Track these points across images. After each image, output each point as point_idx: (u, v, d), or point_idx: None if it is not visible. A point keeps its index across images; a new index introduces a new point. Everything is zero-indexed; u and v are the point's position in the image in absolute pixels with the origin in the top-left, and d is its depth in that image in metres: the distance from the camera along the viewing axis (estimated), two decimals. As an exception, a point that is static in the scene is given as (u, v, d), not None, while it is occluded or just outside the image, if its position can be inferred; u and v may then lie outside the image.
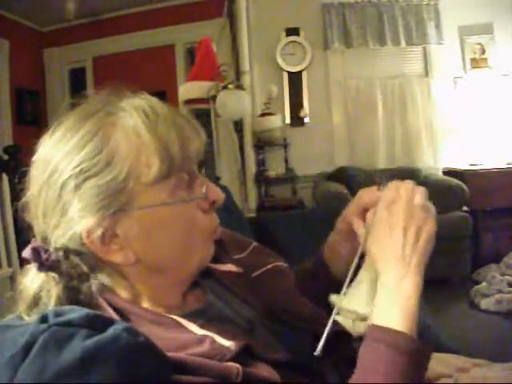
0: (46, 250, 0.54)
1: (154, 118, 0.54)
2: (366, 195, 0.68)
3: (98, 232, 0.52)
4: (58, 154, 0.53)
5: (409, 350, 0.51)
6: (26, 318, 0.53)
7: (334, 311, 0.60)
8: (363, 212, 0.67)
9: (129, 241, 0.54)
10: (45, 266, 0.54)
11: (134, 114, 0.54)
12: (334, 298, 0.62)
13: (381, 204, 0.60)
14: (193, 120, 0.59)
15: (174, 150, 0.54)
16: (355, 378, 0.53)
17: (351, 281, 0.62)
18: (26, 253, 0.55)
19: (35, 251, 0.54)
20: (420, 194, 0.59)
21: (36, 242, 0.55)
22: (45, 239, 0.55)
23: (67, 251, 0.54)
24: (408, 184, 0.61)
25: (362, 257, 0.64)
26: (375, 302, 0.57)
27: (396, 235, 0.57)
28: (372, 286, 0.59)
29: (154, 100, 0.58)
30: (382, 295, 0.56)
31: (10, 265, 2.26)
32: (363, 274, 0.62)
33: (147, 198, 0.53)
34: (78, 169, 0.52)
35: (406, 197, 0.59)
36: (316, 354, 0.56)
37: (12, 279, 2.14)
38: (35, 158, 0.56)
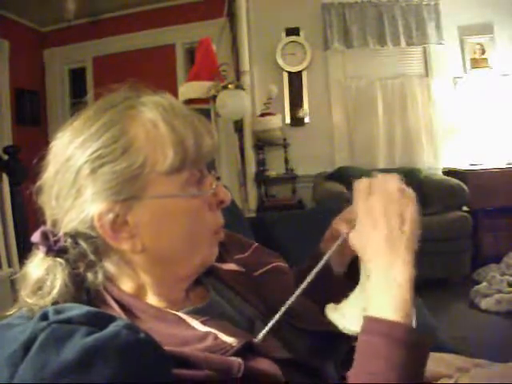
0: (55, 235, 0.55)
1: (172, 113, 0.57)
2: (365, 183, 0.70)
3: (110, 217, 0.53)
4: (76, 141, 0.55)
5: (405, 340, 0.50)
6: (29, 301, 0.54)
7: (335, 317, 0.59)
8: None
9: (138, 229, 0.55)
10: (52, 250, 0.55)
11: (153, 108, 0.56)
12: (329, 311, 0.62)
13: (357, 197, 0.59)
14: (207, 122, 0.61)
15: (188, 145, 0.56)
16: (353, 371, 0.52)
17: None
18: (35, 237, 0.56)
19: (44, 235, 0.55)
20: (394, 180, 0.59)
21: (45, 227, 0.57)
22: (55, 224, 0.56)
23: (76, 235, 0.55)
24: (379, 175, 0.60)
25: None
26: (368, 293, 0.56)
27: (380, 224, 0.55)
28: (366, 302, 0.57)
29: (173, 99, 0.60)
30: (372, 286, 0.55)
31: (10, 265, 2.26)
32: (358, 291, 0.62)
33: (160, 187, 0.55)
34: (95, 154, 0.53)
35: (380, 185, 0.58)
36: (255, 340, 0.56)
37: (12, 279, 2.14)
38: (54, 143, 0.58)
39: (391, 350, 0.50)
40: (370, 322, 0.53)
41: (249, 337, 0.56)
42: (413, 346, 0.50)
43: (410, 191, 0.58)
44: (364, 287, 0.59)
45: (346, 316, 0.59)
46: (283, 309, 0.59)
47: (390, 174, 0.60)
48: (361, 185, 0.60)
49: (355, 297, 0.61)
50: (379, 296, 0.54)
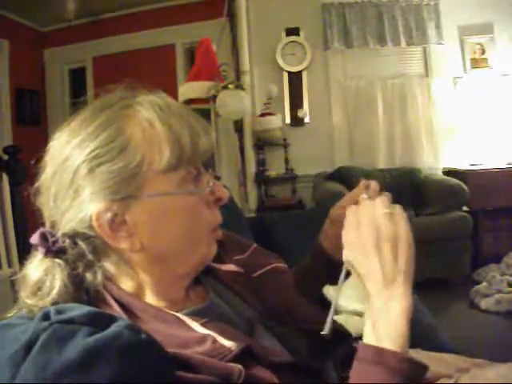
0: (54, 236, 0.55)
1: (168, 112, 0.57)
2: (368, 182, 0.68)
3: (108, 216, 0.54)
4: (73, 141, 0.55)
5: (402, 370, 0.49)
6: (29, 302, 0.54)
7: (334, 298, 0.59)
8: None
9: (136, 228, 0.55)
10: (51, 251, 0.55)
11: (149, 107, 0.57)
12: (329, 291, 0.62)
13: (347, 225, 0.57)
14: (204, 120, 0.61)
15: (184, 143, 0.56)
16: None
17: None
18: (34, 238, 0.56)
19: (43, 236, 0.55)
20: (381, 204, 0.55)
21: (44, 228, 0.57)
22: (53, 225, 0.56)
23: (75, 236, 0.55)
24: (366, 199, 0.58)
25: None
26: (365, 324, 0.55)
27: (372, 259, 0.53)
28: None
29: (169, 98, 0.60)
30: (369, 318, 0.54)
31: (10, 265, 2.26)
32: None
33: (157, 186, 0.55)
34: (93, 154, 0.53)
35: (368, 213, 0.55)
36: (324, 333, 0.54)
37: (12, 279, 2.14)
38: (51, 144, 0.58)
39: (385, 378, 0.49)
40: (366, 350, 0.52)
41: (247, 340, 0.56)
42: (407, 375, 0.49)
43: (399, 212, 0.55)
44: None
45: (343, 295, 0.60)
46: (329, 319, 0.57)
47: (378, 197, 0.57)
48: (350, 212, 0.57)
49: (353, 279, 0.61)
50: (376, 326, 0.53)
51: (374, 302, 0.53)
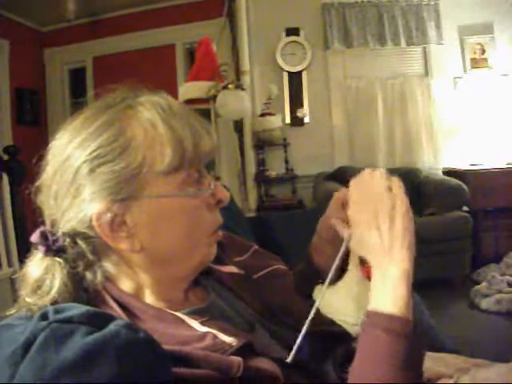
0: (54, 234, 0.55)
1: (170, 113, 0.57)
2: (341, 194, 0.69)
3: (108, 216, 0.53)
4: (74, 141, 0.55)
5: (404, 332, 0.52)
6: (29, 300, 0.54)
7: (312, 312, 0.60)
8: (342, 211, 0.68)
9: (136, 229, 0.55)
10: (51, 250, 0.55)
11: (151, 108, 0.57)
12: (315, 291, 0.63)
13: (350, 202, 0.61)
14: (206, 122, 0.61)
15: (186, 145, 0.56)
16: (356, 363, 0.54)
17: (338, 277, 0.63)
18: (34, 237, 0.56)
19: (43, 235, 0.55)
20: (379, 176, 0.60)
21: (44, 227, 0.57)
22: (53, 224, 0.56)
23: (75, 235, 0.55)
24: (365, 173, 0.62)
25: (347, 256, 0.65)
26: (371, 290, 0.58)
27: (372, 229, 0.57)
28: (356, 290, 0.61)
29: (171, 99, 0.60)
30: (373, 283, 0.57)
31: (10, 265, 2.27)
32: (347, 277, 0.64)
33: (158, 187, 0.55)
34: (94, 154, 0.53)
35: (366, 185, 0.60)
36: (288, 360, 0.56)
37: (12, 279, 2.14)
38: (52, 144, 0.58)
39: (392, 342, 0.51)
40: (371, 316, 0.55)
41: (248, 337, 0.56)
42: (409, 338, 0.51)
43: (397, 185, 0.59)
44: (352, 274, 0.63)
45: (324, 298, 0.62)
46: (309, 320, 0.59)
47: (376, 170, 0.61)
48: (352, 190, 0.62)
49: (343, 282, 0.63)
50: (378, 293, 0.56)
51: (376, 274, 0.57)
